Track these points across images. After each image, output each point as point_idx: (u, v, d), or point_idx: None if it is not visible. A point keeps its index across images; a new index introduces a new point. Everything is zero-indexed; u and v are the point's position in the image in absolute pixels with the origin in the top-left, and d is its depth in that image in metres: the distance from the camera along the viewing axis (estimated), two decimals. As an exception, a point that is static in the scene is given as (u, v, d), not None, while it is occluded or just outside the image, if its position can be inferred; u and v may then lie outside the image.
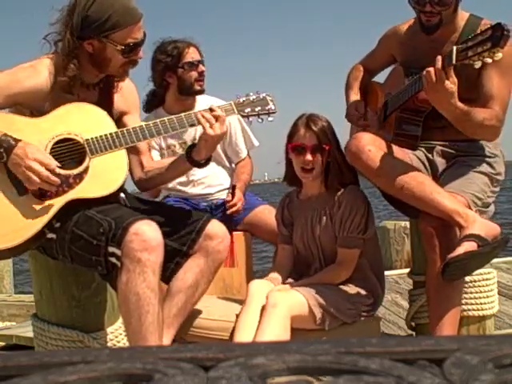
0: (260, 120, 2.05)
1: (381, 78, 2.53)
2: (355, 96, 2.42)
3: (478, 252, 1.84)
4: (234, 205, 2.72)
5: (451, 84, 1.82)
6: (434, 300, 2.01)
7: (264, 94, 2.04)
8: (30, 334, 2.28)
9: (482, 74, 2.04)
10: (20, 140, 1.78)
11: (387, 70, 2.48)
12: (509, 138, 2.09)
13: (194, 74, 2.72)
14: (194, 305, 2.04)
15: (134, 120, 2.09)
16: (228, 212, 2.72)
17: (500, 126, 2.04)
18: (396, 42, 2.33)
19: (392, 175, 1.99)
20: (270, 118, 2.05)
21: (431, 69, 1.83)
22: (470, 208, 1.98)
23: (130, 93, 2.10)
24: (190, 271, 1.98)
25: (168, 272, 1.96)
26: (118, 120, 2.04)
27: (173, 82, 2.76)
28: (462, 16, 2.15)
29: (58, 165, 1.80)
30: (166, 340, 1.94)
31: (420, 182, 1.98)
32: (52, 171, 1.76)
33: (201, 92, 2.77)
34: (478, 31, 1.82)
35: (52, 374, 0.35)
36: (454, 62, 1.79)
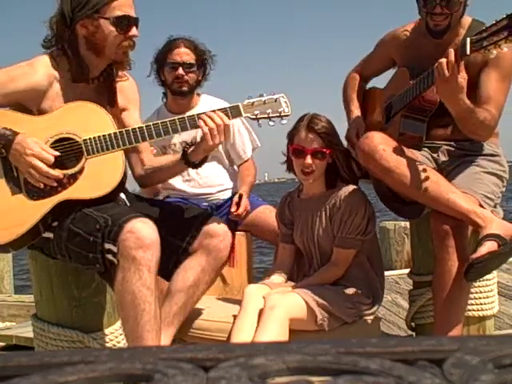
0: (272, 123, 1.97)
1: (379, 83, 2.54)
2: (357, 112, 2.41)
3: (499, 252, 1.85)
4: (238, 215, 2.72)
5: (462, 78, 1.82)
6: (440, 300, 2.01)
7: (278, 96, 1.97)
8: (30, 335, 2.28)
9: (481, 76, 2.05)
10: (18, 133, 1.79)
11: (385, 76, 2.48)
12: (509, 139, 2.10)
13: (172, 76, 2.73)
14: (195, 304, 2.04)
15: (133, 117, 2.08)
16: (230, 217, 2.72)
17: (494, 127, 2.06)
18: (397, 45, 2.33)
19: (406, 175, 1.98)
20: (283, 121, 1.98)
21: (443, 60, 1.82)
22: (482, 208, 1.98)
23: (129, 89, 2.09)
24: (190, 270, 1.98)
25: (168, 269, 1.97)
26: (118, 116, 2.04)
27: (164, 79, 2.79)
28: (465, 21, 2.15)
29: (56, 153, 1.81)
30: (166, 339, 1.94)
31: (435, 182, 1.98)
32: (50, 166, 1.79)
33: (181, 93, 2.75)
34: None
35: (52, 374, 0.35)
36: (468, 52, 1.78)
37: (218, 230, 2.02)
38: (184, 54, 2.73)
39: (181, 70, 2.71)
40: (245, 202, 2.75)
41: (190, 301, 1.99)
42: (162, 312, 1.94)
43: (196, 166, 2.01)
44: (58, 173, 1.80)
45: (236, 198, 2.75)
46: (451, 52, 1.81)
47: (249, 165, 2.92)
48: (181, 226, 2.02)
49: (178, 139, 2.77)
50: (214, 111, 1.92)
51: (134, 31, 1.90)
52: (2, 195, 1.83)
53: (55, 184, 1.82)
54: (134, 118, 2.07)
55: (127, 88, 2.08)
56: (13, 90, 1.85)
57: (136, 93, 2.15)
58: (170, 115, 2.63)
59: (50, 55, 1.91)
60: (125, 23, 1.88)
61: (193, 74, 2.74)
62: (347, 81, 2.53)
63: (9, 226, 1.80)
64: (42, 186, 1.81)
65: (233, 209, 2.71)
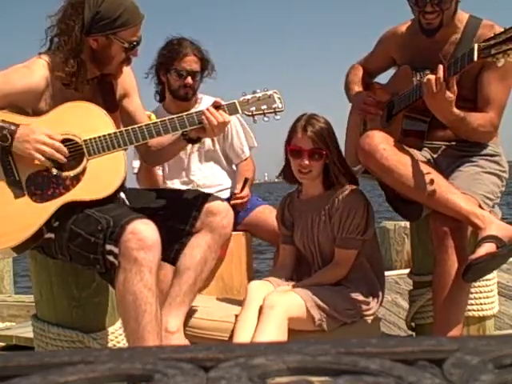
0: (266, 119, 2.00)
1: (380, 80, 2.53)
2: (358, 88, 2.41)
3: (497, 253, 1.85)
4: (241, 197, 2.72)
5: (451, 94, 1.84)
6: (440, 300, 2.01)
7: (271, 92, 1.99)
8: (30, 335, 2.28)
9: (481, 78, 2.05)
10: (20, 124, 1.80)
11: (387, 73, 2.48)
12: (509, 138, 2.11)
13: (180, 83, 2.73)
14: (204, 281, 2.06)
15: (134, 102, 2.10)
16: (231, 202, 2.69)
17: (494, 130, 2.08)
18: (396, 43, 2.33)
19: (406, 174, 1.98)
20: (277, 117, 2.01)
21: (432, 77, 1.84)
22: (482, 209, 1.98)
23: (126, 76, 2.09)
24: (197, 248, 2.00)
25: (173, 253, 1.99)
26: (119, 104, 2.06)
27: (165, 81, 2.78)
28: (462, 17, 2.15)
29: (61, 138, 1.83)
30: (179, 318, 1.98)
31: (434, 182, 1.97)
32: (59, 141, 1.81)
33: (185, 99, 2.76)
34: (482, 30, 1.83)
35: (52, 374, 0.35)
36: (475, 59, 1.79)
37: (219, 207, 2.04)
38: (193, 63, 2.73)
39: (190, 79, 2.72)
40: (247, 189, 2.76)
41: (198, 278, 2.01)
42: (172, 291, 1.99)
43: (195, 141, 2.06)
44: (66, 149, 1.81)
45: (241, 183, 2.76)
46: (440, 68, 1.84)
47: (248, 162, 2.93)
48: (182, 209, 2.04)
49: None
50: (215, 108, 1.93)
51: (137, 53, 1.96)
52: (4, 199, 1.82)
53: (65, 160, 1.82)
54: (135, 103, 2.10)
55: (124, 75, 2.07)
56: (10, 92, 1.85)
57: (132, 77, 2.14)
58: (168, 116, 2.63)
59: (46, 57, 1.91)
60: (134, 47, 1.93)
61: (198, 81, 2.77)
62: (350, 69, 2.53)
63: (13, 231, 1.79)
64: (52, 168, 1.82)
65: (237, 190, 2.72)
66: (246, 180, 2.77)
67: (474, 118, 1.99)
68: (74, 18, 1.85)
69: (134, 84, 2.15)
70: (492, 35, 1.80)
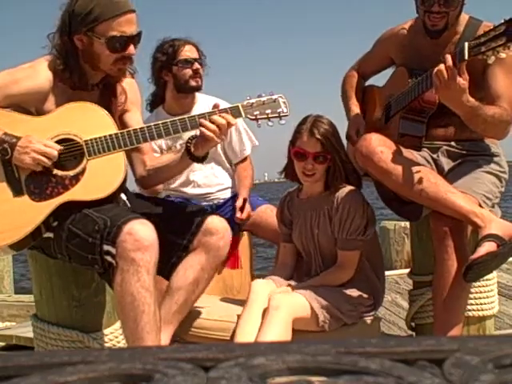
0: (271, 123, 1.97)
1: (378, 81, 2.53)
2: (356, 109, 2.41)
3: (498, 252, 1.85)
4: (242, 219, 2.72)
5: (463, 81, 1.81)
6: (440, 300, 2.01)
7: (276, 96, 1.97)
8: (30, 335, 2.28)
9: (486, 75, 2.04)
10: (21, 137, 1.80)
11: (384, 74, 2.48)
12: (508, 138, 2.09)
13: (189, 72, 2.74)
14: (195, 302, 2.04)
15: (135, 117, 2.08)
16: (236, 220, 2.72)
17: (510, 122, 2.01)
18: (395, 44, 2.32)
19: (405, 176, 1.97)
20: (282, 121, 1.98)
21: (442, 67, 1.81)
22: (482, 208, 1.98)
23: (130, 90, 2.08)
24: (190, 268, 1.98)
25: (168, 266, 1.97)
26: (120, 118, 2.04)
27: (169, 80, 2.79)
28: (462, 18, 2.15)
29: (60, 148, 1.82)
30: (166, 337, 1.94)
31: (433, 183, 1.97)
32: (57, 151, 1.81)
33: (197, 88, 2.78)
34: (481, 32, 1.82)
35: (52, 374, 0.35)
36: (466, 57, 1.78)
37: (217, 227, 2.02)
38: (193, 51, 2.77)
39: (197, 65, 2.74)
40: (248, 207, 2.76)
41: (189, 299, 1.99)
42: (162, 310, 1.94)
43: (201, 160, 2.00)
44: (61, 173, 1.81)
45: (240, 203, 2.75)
46: (448, 57, 1.81)
47: (246, 165, 2.91)
48: (181, 223, 2.03)
49: (178, 141, 2.77)
50: (216, 113, 1.91)
51: (130, 50, 1.87)
52: (2, 197, 1.82)
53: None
54: (135, 119, 2.07)
55: (127, 89, 2.07)
56: (16, 92, 1.85)
57: (137, 93, 2.14)
58: (169, 117, 2.63)
59: (51, 58, 1.91)
60: (120, 43, 1.85)
61: (202, 70, 2.79)
62: (345, 79, 2.53)
63: (10, 229, 1.80)
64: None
65: (238, 214, 2.71)
66: (244, 200, 2.76)
67: (488, 107, 1.95)
68: (60, 22, 1.86)
69: (138, 100, 2.14)
70: (482, 33, 1.79)
